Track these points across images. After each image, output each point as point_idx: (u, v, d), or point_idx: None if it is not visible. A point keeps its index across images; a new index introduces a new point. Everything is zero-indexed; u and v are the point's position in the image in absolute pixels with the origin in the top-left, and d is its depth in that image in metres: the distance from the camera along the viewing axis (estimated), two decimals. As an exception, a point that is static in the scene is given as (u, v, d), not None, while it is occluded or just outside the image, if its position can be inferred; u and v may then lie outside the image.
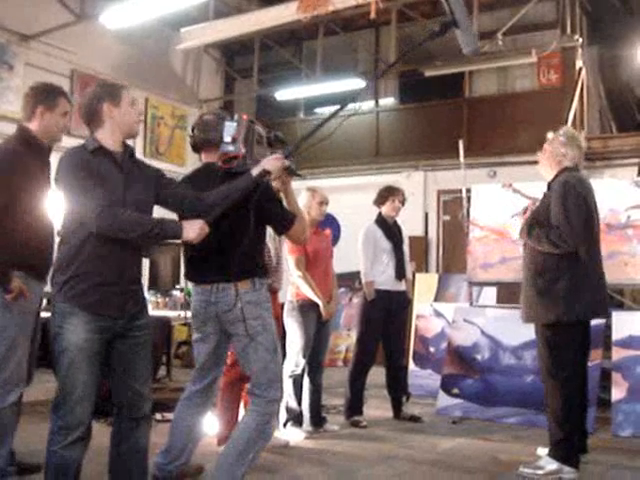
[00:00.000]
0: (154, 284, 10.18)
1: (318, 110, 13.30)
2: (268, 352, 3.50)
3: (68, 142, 3.43)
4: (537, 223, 4.46)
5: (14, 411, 3.64)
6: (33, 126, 3.76)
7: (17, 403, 3.65)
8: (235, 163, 3.40)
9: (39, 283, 3.76)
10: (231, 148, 3.38)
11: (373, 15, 7.98)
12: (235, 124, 3.38)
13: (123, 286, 3.13)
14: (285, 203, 3.64)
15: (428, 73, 10.67)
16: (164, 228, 3.06)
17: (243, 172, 3.33)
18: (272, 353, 3.51)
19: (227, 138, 3.39)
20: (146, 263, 10.81)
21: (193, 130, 3.78)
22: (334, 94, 11.57)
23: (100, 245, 3.04)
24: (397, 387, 6.15)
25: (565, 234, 4.26)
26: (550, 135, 4.67)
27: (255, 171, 3.28)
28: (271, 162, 3.29)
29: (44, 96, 3.80)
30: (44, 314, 7.27)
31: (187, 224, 3.09)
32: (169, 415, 5.75)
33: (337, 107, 3.48)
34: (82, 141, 3.15)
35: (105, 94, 3.16)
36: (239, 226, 3.43)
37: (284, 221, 3.60)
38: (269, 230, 3.86)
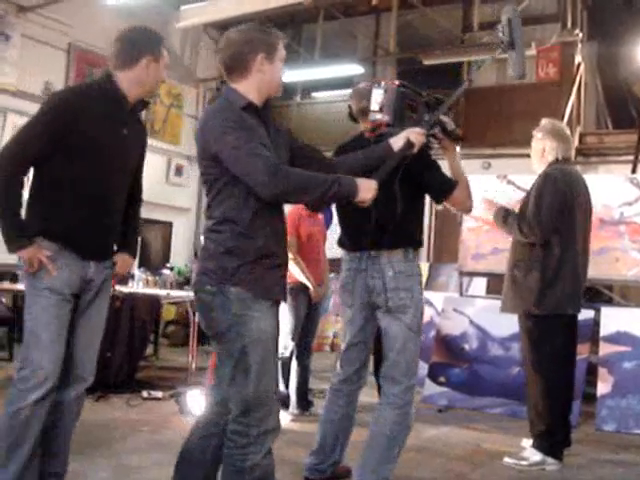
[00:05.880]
0: (144, 262, 10.18)
1: (315, 94, 13.25)
2: (411, 330, 3.37)
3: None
4: (520, 213, 4.48)
5: (37, 413, 2.96)
6: (127, 76, 3.12)
7: (43, 403, 2.97)
8: (382, 131, 3.28)
9: (81, 261, 3.07)
10: (378, 116, 3.26)
11: (375, 1, 7.95)
12: (382, 91, 3.25)
13: (286, 266, 2.85)
14: (449, 168, 3.51)
15: (427, 62, 10.64)
16: (342, 186, 2.68)
17: None
18: (415, 332, 3.40)
19: (374, 106, 3.26)
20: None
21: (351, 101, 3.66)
22: (332, 79, 11.54)
23: (269, 217, 2.71)
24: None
25: (533, 225, 4.27)
26: (535, 132, 4.65)
27: (399, 143, 3.07)
28: (415, 136, 3.08)
29: (151, 43, 3.19)
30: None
31: (363, 184, 2.74)
32: (156, 393, 5.78)
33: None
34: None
35: (261, 44, 2.75)
36: (393, 195, 3.22)
37: (443, 188, 3.42)
38: None
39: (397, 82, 3.29)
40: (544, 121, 4.63)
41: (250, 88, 2.75)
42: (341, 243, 3.65)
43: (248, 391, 2.63)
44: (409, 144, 3.06)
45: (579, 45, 10.36)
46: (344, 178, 2.71)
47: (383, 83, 3.28)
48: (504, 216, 4.52)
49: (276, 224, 2.76)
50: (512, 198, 6.03)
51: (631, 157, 9.26)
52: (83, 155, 3.01)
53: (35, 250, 2.93)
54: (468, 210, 3.64)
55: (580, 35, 10.26)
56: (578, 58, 10.36)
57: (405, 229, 3.39)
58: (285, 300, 2.86)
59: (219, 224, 2.69)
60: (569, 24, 10.26)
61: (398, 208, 3.28)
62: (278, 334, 2.79)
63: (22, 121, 9.53)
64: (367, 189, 2.74)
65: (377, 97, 3.24)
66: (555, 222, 4.28)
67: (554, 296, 4.32)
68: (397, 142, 3.08)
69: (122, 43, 3.14)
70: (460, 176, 3.48)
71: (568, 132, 4.70)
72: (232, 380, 2.67)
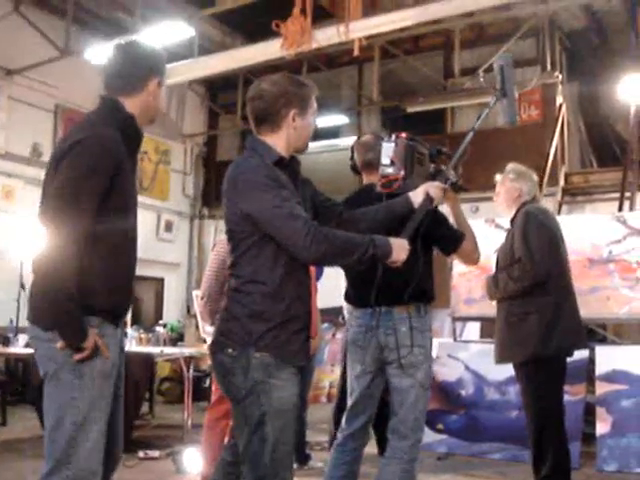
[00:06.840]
0: (137, 320, 10.13)
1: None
2: (422, 387, 3.28)
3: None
4: (497, 268, 4.45)
5: None
6: (135, 103, 2.62)
7: None
8: (395, 186, 3.12)
9: (115, 331, 2.63)
10: (389, 170, 3.10)
11: (357, 52, 8.06)
12: (393, 144, 3.12)
13: (309, 329, 2.70)
14: (453, 220, 3.47)
15: (410, 109, 10.77)
16: (377, 247, 2.58)
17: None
18: (426, 388, 3.32)
19: (385, 160, 3.12)
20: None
21: (352, 153, 3.61)
22: (318, 129, 11.64)
23: (299, 278, 2.63)
24: (382, 424, 6.09)
25: (528, 265, 4.15)
26: (498, 177, 4.67)
27: (418, 198, 2.98)
28: (435, 190, 3.00)
29: (159, 62, 2.72)
30: (22, 350, 7.11)
31: (396, 243, 2.66)
32: (152, 452, 5.71)
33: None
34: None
35: (295, 99, 2.67)
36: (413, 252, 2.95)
37: (452, 240, 3.38)
38: None
39: (404, 135, 3.19)
40: (512, 165, 4.66)
41: (279, 142, 2.68)
42: (348, 298, 3.58)
43: (264, 460, 2.51)
44: (430, 199, 2.98)
45: (559, 86, 10.52)
46: (378, 239, 2.62)
47: (393, 136, 3.18)
48: (493, 279, 4.42)
49: (304, 284, 2.68)
50: (500, 242, 6.05)
51: (617, 194, 9.33)
52: (117, 210, 2.52)
53: (94, 334, 2.44)
54: (475, 262, 3.55)
55: (560, 76, 10.42)
56: (559, 99, 10.51)
57: (417, 284, 3.27)
58: (308, 363, 2.83)
59: (245, 284, 2.58)
60: (549, 66, 10.42)
61: (420, 266, 3.22)
62: (299, 401, 2.70)
63: (10, 183, 9.69)
64: (400, 249, 2.67)
65: (387, 150, 3.13)
66: (548, 260, 4.20)
67: (559, 335, 4.20)
68: (417, 197, 2.99)
69: (126, 60, 2.65)
70: (466, 227, 3.46)
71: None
72: (247, 445, 2.55)
